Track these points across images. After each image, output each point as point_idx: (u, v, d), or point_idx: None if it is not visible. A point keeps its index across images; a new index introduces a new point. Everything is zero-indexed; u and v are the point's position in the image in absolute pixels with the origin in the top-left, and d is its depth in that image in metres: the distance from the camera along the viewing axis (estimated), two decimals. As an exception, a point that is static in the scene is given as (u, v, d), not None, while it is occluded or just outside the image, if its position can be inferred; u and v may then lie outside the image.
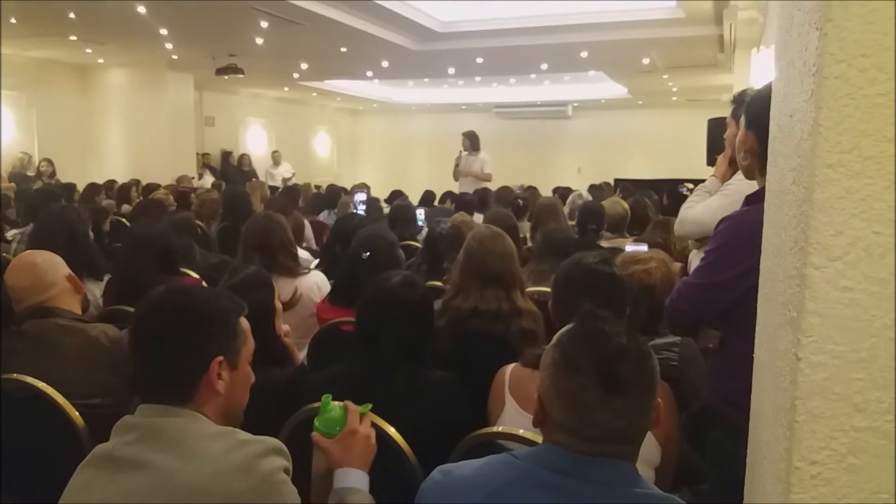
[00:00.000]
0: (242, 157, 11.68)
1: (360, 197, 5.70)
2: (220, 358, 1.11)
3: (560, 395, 1.00)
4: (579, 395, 0.98)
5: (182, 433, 1.05)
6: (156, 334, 1.11)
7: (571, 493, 0.97)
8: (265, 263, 2.55)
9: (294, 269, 2.68)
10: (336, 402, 1.29)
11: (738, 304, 1.38)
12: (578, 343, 1.02)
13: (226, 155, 11.80)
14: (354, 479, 1.21)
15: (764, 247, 1.00)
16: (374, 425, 1.44)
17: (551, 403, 1.02)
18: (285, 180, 10.55)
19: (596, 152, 13.82)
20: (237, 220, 2.91)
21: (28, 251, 2.04)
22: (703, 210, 2.21)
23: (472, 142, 7.26)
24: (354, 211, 5.39)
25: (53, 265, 1.97)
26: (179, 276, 2.69)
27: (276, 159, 11.82)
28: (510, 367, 1.62)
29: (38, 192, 4.80)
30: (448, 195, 6.86)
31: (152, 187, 6.87)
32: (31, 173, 8.47)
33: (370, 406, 1.31)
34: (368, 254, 2.43)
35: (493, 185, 6.94)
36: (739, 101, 2.13)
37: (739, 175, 2.17)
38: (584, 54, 8.39)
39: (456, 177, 7.23)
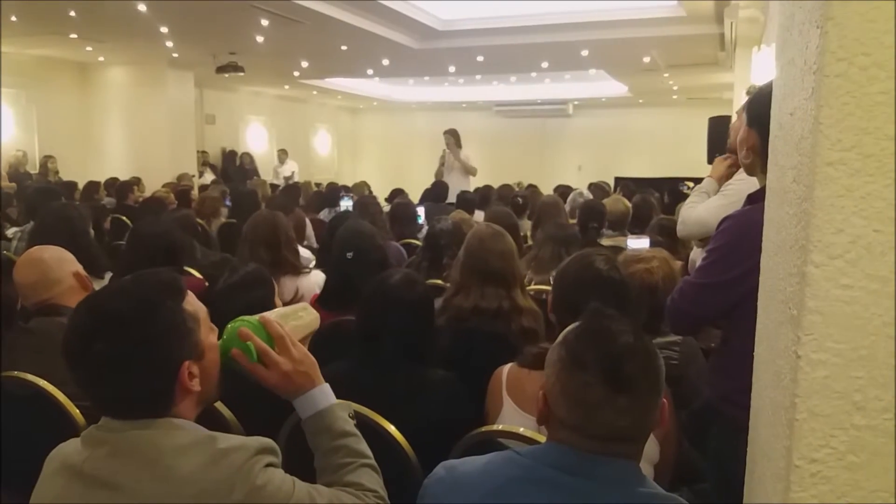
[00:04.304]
0: (244, 155, 11.70)
1: (347, 203, 5.64)
2: (188, 362, 1.01)
3: (565, 392, 1.00)
4: (584, 392, 0.98)
5: (156, 449, 0.96)
6: (104, 368, 0.97)
7: (575, 492, 0.97)
8: (272, 259, 2.56)
9: (297, 266, 2.70)
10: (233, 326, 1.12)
11: (739, 303, 1.38)
12: (585, 341, 1.02)
13: (230, 154, 11.81)
14: (320, 398, 1.12)
15: (764, 245, 1.00)
16: (374, 424, 1.44)
17: (556, 401, 1.02)
18: (286, 179, 10.56)
19: (597, 150, 13.82)
20: (243, 218, 2.92)
21: (37, 247, 1.99)
22: (704, 210, 2.23)
23: (455, 139, 7.34)
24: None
25: (60, 261, 1.93)
26: (183, 274, 2.69)
27: (281, 158, 11.83)
28: (507, 367, 1.62)
29: (37, 190, 4.80)
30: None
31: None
32: (32, 171, 8.47)
33: (255, 318, 1.12)
34: (352, 254, 2.40)
35: (492, 184, 6.93)
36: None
37: (739, 175, 2.18)
38: (585, 53, 8.38)
39: (440, 176, 7.25)
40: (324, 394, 1.14)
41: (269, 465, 1.00)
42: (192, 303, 1.06)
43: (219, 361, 1.09)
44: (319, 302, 2.48)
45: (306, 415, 1.12)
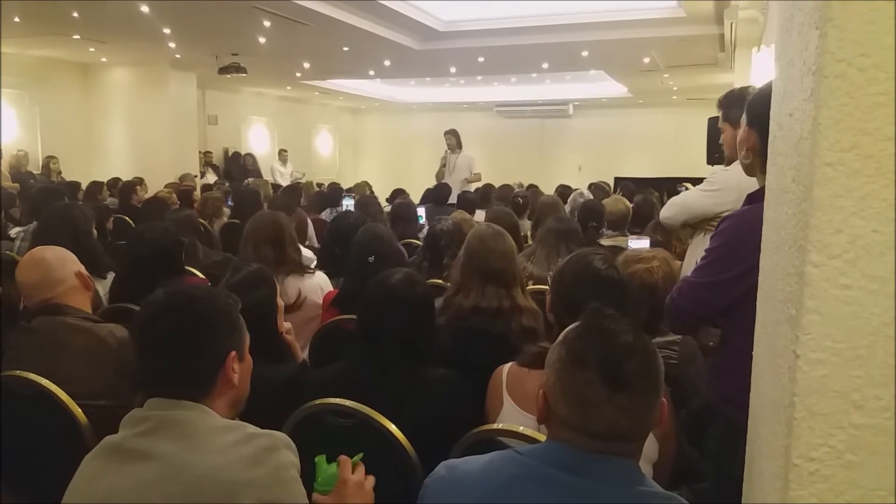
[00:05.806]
0: (246, 156, 11.73)
1: (349, 202, 5.66)
2: (234, 353, 1.17)
3: (565, 391, 1.01)
4: (584, 390, 0.99)
5: (193, 426, 1.08)
6: (170, 336, 1.13)
7: (575, 490, 0.97)
8: (277, 258, 2.58)
9: (302, 266, 2.70)
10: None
11: (738, 302, 1.38)
12: (585, 340, 1.03)
13: (235, 156, 11.82)
14: None
15: (763, 245, 1.00)
16: (375, 423, 1.45)
17: (556, 400, 1.02)
18: (297, 179, 10.57)
19: (597, 151, 13.82)
20: (246, 218, 2.93)
21: (40, 247, 1.99)
22: (686, 195, 2.35)
23: (457, 140, 7.29)
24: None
25: (63, 261, 1.93)
26: (184, 274, 2.68)
27: (283, 158, 11.86)
28: (507, 367, 1.62)
29: (41, 190, 4.82)
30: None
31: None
32: (35, 171, 8.48)
33: (361, 455, 1.25)
34: (373, 257, 2.43)
35: (493, 184, 6.93)
36: (725, 104, 2.17)
37: (724, 167, 2.29)
38: (585, 53, 8.39)
39: (441, 177, 7.19)
40: None
41: (294, 465, 1.09)
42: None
43: (251, 367, 1.23)
44: (336, 304, 2.49)
45: None
